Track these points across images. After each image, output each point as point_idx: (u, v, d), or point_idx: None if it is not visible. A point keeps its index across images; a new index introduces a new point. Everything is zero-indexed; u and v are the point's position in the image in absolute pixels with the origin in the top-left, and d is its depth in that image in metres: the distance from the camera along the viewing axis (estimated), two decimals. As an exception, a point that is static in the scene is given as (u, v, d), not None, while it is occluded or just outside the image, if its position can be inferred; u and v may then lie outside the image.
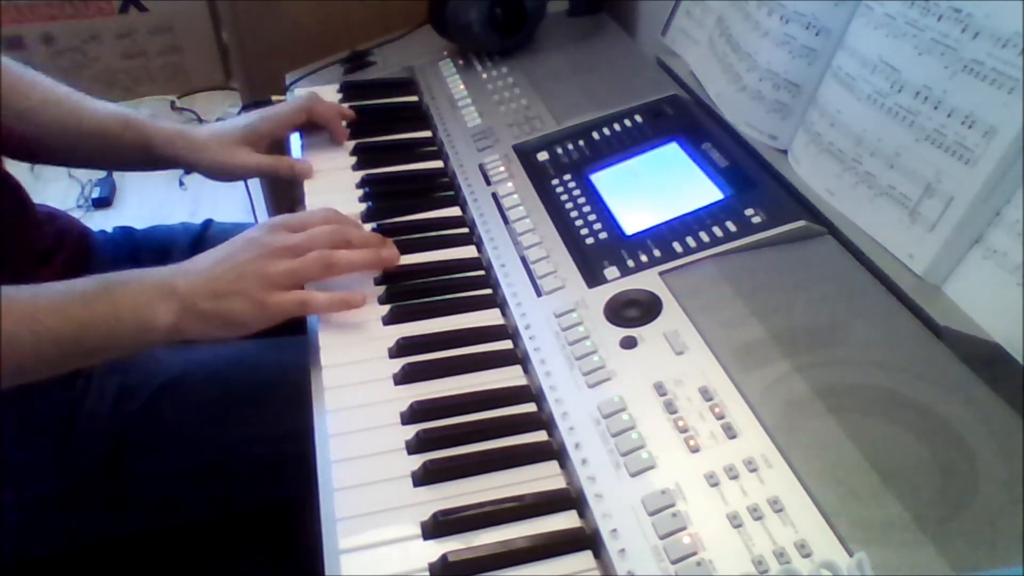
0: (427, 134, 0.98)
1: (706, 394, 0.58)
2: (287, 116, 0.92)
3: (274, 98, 1.06)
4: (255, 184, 1.48)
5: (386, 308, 0.72)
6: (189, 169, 0.88)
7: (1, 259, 0.76)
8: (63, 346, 0.61)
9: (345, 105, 0.99)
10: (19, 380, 0.61)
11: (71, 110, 0.85)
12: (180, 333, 0.65)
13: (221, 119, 2.33)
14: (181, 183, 2.18)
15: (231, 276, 0.66)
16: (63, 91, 0.86)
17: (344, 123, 0.96)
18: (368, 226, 0.82)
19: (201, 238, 0.97)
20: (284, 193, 0.97)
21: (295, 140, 0.97)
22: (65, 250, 0.86)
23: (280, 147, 0.96)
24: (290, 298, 0.68)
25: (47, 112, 0.84)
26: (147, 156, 0.87)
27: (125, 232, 0.98)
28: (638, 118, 0.88)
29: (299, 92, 1.04)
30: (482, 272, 0.77)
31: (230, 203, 2.01)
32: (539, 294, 0.70)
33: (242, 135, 0.88)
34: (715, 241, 0.70)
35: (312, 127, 0.95)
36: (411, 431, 0.61)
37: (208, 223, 1.01)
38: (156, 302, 0.64)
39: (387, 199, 0.87)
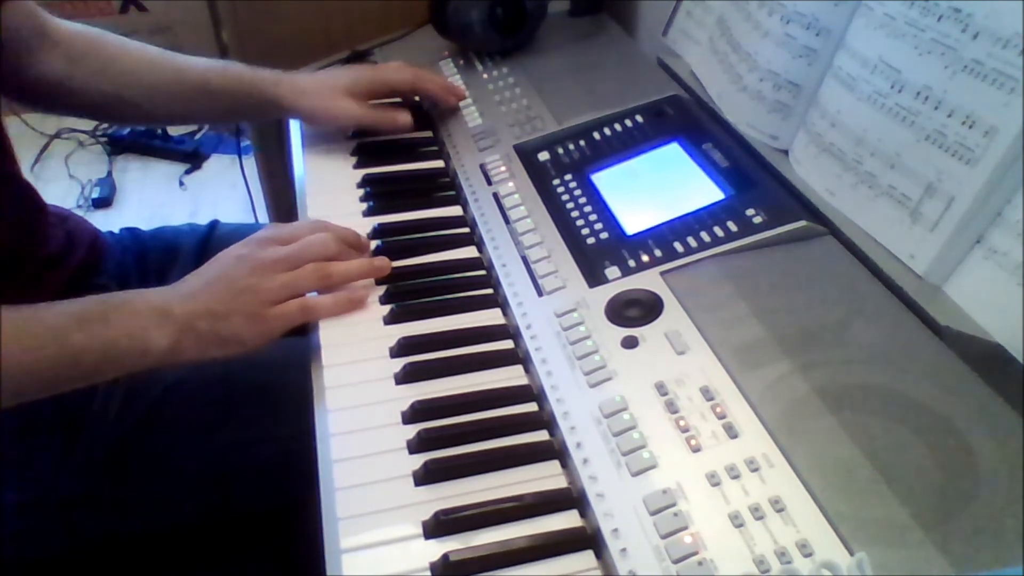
0: (428, 134, 0.98)
1: (707, 394, 0.58)
2: (392, 79, 0.92)
3: None
4: (255, 184, 1.48)
5: (387, 308, 0.72)
6: (290, 114, 0.89)
7: (13, 261, 0.76)
8: (60, 370, 0.61)
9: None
10: (16, 401, 0.61)
11: (165, 68, 0.87)
12: (178, 355, 0.65)
13: (221, 119, 2.34)
14: (181, 183, 2.18)
15: (227, 295, 0.66)
16: (153, 51, 0.88)
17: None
18: (369, 225, 0.82)
19: (208, 239, 0.97)
20: (284, 193, 0.97)
21: (295, 137, 0.97)
22: (76, 252, 0.86)
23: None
24: (291, 307, 0.68)
25: (143, 73, 0.86)
26: (249, 102, 0.88)
27: (132, 233, 0.98)
28: (639, 118, 0.88)
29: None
30: (483, 272, 0.77)
31: (230, 203, 2.01)
32: (540, 294, 0.70)
33: (345, 86, 0.88)
34: (716, 241, 0.70)
35: (413, 95, 0.96)
36: (412, 431, 0.61)
37: (214, 224, 1.01)
38: (152, 326, 0.63)
39: (388, 198, 0.87)
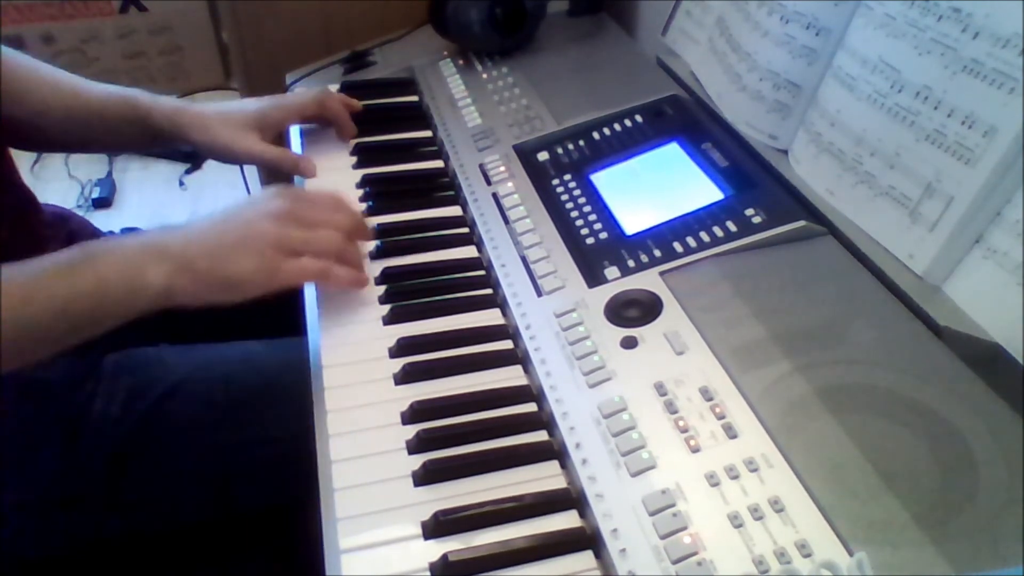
0: (427, 134, 0.98)
1: (706, 394, 0.58)
2: (299, 106, 0.90)
3: None
4: (255, 184, 1.48)
5: (386, 308, 0.72)
6: (191, 147, 0.86)
7: (12, 262, 0.76)
8: (52, 322, 0.59)
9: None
10: (16, 364, 0.59)
11: (70, 92, 0.84)
12: (173, 295, 0.62)
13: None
14: (181, 183, 2.18)
15: (237, 235, 0.64)
16: (60, 75, 0.85)
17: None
18: (368, 225, 0.82)
19: None
20: (284, 179, 0.97)
21: (295, 137, 0.97)
22: None
23: (281, 139, 0.95)
24: (312, 264, 0.66)
25: (45, 95, 0.83)
26: (147, 133, 0.85)
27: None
28: (638, 118, 0.88)
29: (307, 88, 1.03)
30: (482, 272, 0.77)
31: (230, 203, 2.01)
32: (539, 294, 0.70)
33: (251, 119, 0.86)
34: (715, 241, 0.70)
35: (321, 120, 0.95)
36: (411, 431, 0.61)
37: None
38: (145, 264, 0.61)
39: (387, 198, 0.87)
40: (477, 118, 0.96)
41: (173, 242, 0.63)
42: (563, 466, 0.59)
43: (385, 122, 1.00)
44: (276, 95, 0.91)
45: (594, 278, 0.70)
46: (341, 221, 0.70)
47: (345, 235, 0.70)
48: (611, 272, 0.70)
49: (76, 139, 0.88)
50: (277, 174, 0.91)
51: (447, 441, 0.60)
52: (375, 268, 0.77)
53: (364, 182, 0.89)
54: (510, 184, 0.83)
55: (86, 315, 0.61)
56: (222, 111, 0.86)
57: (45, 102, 0.83)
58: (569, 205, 0.79)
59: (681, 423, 0.57)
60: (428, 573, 0.52)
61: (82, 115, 0.84)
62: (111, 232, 0.96)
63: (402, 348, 0.68)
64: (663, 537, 0.51)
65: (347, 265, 0.70)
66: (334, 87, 1.07)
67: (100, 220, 2.08)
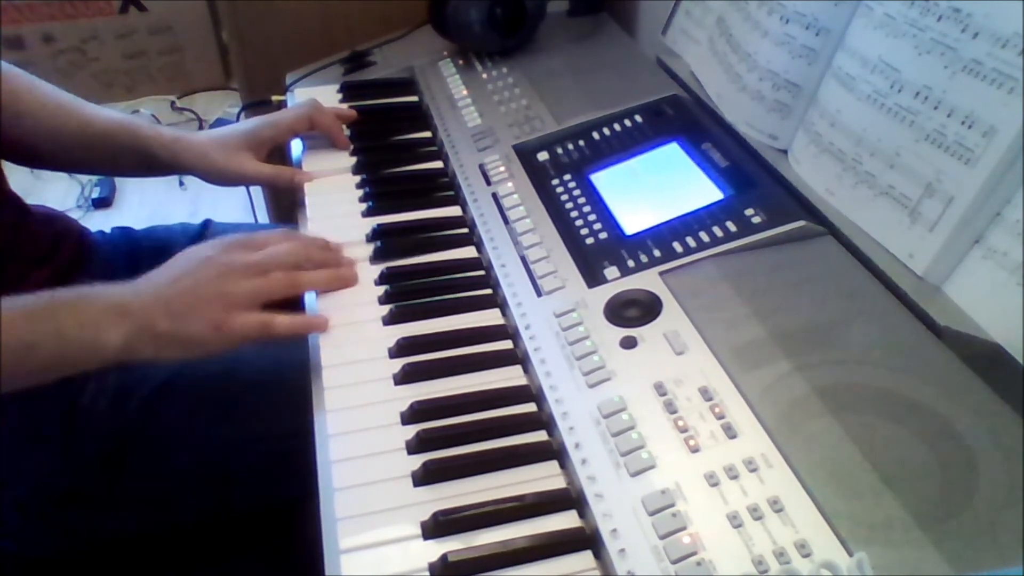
0: (427, 134, 0.98)
1: (706, 394, 0.58)
2: (289, 123, 0.91)
3: (273, 98, 1.06)
4: (255, 188, 1.48)
5: (386, 308, 0.72)
6: (188, 174, 0.88)
7: (5, 269, 0.76)
8: (10, 365, 0.60)
9: (345, 106, 0.99)
10: None
11: (70, 115, 0.86)
12: (133, 353, 0.63)
13: (221, 119, 2.34)
14: (181, 183, 2.18)
15: (190, 296, 0.65)
16: (62, 96, 0.86)
17: (345, 129, 0.96)
18: (368, 225, 0.82)
19: (200, 238, 0.97)
20: (285, 193, 0.98)
21: (296, 141, 0.97)
22: (63, 252, 0.86)
23: (281, 149, 0.96)
24: (252, 321, 0.66)
25: (45, 117, 0.84)
26: (146, 161, 0.87)
27: (124, 232, 0.98)
28: (638, 118, 0.88)
29: (300, 97, 1.04)
30: (482, 272, 0.77)
31: (230, 203, 2.01)
32: (539, 294, 0.70)
33: (243, 141, 0.87)
34: (715, 241, 0.70)
35: (314, 132, 0.96)
36: (411, 431, 0.61)
37: (207, 223, 1.01)
38: (105, 323, 0.62)
39: (387, 199, 0.87)
40: (477, 118, 0.96)
41: (134, 301, 0.64)
42: (562, 466, 0.59)
43: (385, 122, 1.00)
44: (268, 114, 0.92)
45: (594, 278, 0.70)
46: (288, 256, 0.70)
47: (294, 271, 0.70)
48: (611, 272, 0.70)
49: (76, 162, 0.90)
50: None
51: (447, 441, 0.60)
52: (375, 268, 0.77)
53: (364, 182, 0.89)
54: (510, 184, 0.83)
55: (47, 362, 0.62)
56: (215, 136, 0.88)
57: (45, 124, 0.84)
58: (569, 205, 0.79)
59: (681, 423, 0.57)
60: (427, 573, 0.52)
61: (83, 140, 0.86)
62: (100, 232, 0.96)
63: (402, 348, 0.68)
64: (662, 537, 0.51)
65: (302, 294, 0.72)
66: (334, 87, 1.07)
67: (100, 220, 2.09)
